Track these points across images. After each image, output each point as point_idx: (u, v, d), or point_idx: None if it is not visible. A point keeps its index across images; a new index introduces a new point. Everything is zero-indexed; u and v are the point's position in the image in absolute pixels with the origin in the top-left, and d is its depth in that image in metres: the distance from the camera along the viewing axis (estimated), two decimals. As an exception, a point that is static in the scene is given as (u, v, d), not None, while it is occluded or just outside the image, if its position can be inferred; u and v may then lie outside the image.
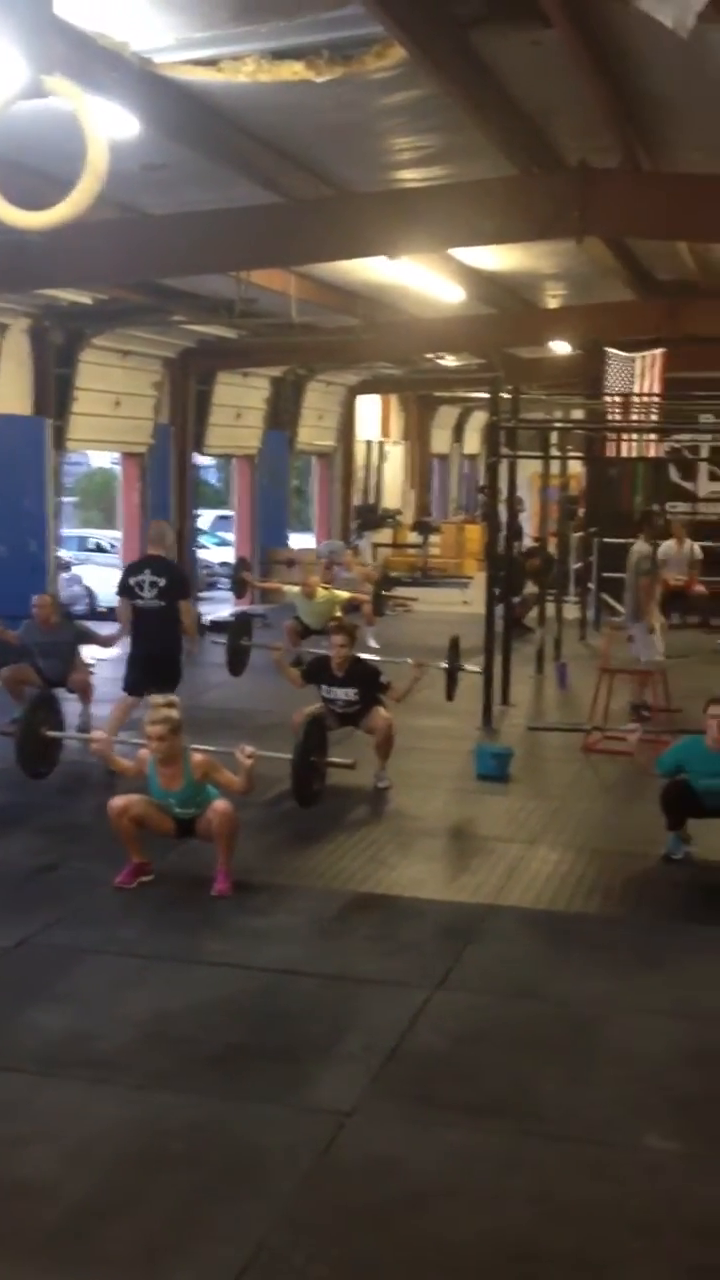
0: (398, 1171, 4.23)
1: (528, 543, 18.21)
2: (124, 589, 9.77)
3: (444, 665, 10.47)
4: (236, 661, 11.67)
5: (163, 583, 9.54)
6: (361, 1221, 3.97)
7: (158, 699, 6.96)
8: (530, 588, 16.05)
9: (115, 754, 7.34)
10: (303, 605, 13.25)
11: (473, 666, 10.85)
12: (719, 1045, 5.19)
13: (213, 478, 34.64)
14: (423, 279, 13.07)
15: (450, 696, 10.72)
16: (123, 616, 9.88)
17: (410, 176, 9.53)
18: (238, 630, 12.13)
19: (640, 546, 11.51)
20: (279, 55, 6.79)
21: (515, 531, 15.47)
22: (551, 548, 16.67)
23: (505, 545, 13.00)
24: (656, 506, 13.72)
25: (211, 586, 21.81)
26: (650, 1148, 4.42)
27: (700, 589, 16.53)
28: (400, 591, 20.16)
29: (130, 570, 10.02)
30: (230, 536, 22.72)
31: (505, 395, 11.89)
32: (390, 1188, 4.14)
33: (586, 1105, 4.70)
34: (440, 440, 29.48)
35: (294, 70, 6.80)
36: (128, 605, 9.70)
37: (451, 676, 10.54)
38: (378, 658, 10.75)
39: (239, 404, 19.93)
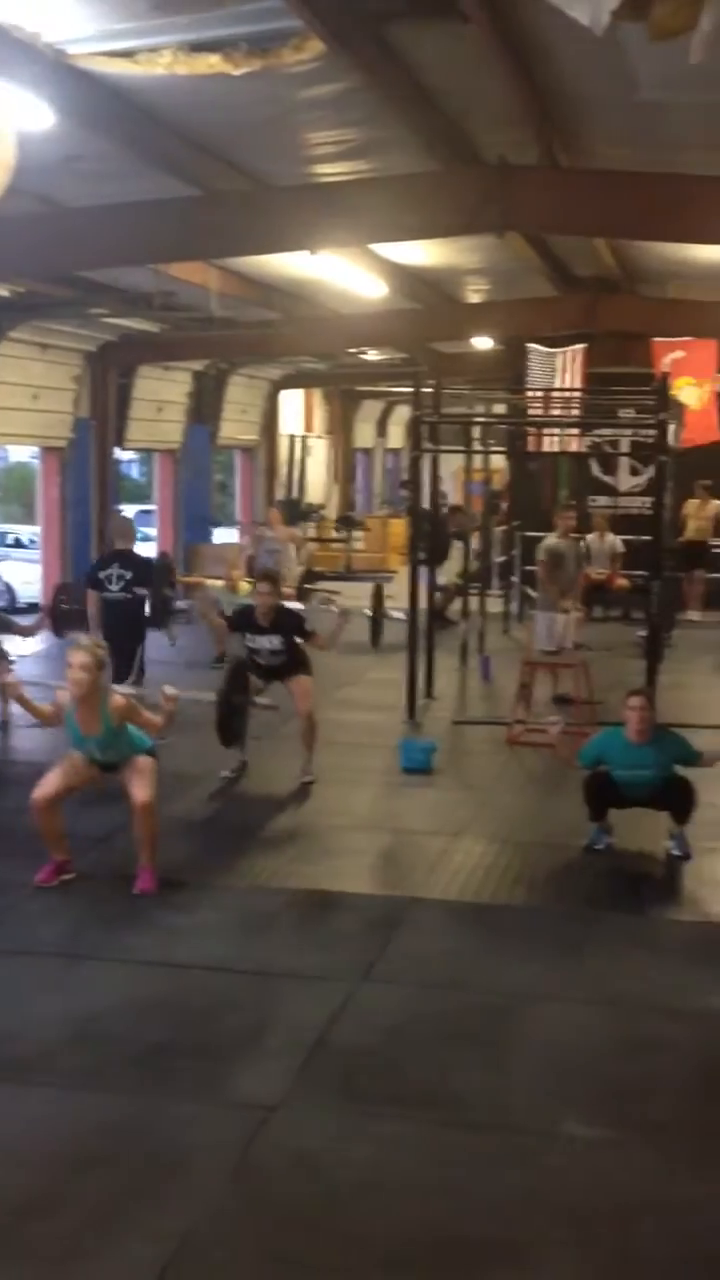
0: (321, 1166, 4.23)
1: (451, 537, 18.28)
2: (93, 582, 10.27)
3: (368, 612, 10.63)
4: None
5: (130, 575, 10.06)
6: (285, 1216, 3.97)
7: (83, 640, 6.91)
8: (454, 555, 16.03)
9: (30, 697, 7.13)
10: (227, 599, 13.24)
11: (397, 613, 10.95)
12: (639, 1032, 5.26)
13: (135, 472, 34.37)
14: (345, 274, 13.08)
15: (375, 643, 10.84)
16: (92, 609, 10.23)
17: (331, 170, 9.52)
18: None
19: (549, 541, 11.82)
20: (196, 47, 6.75)
21: (440, 525, 15.51)
22: (475, 542, 16.75)
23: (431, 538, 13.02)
24: (567, 502, 13.84)
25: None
26: (572, 1135, 4.46)
27: (622, 583, 16.70)
28: (325, 585, 20.14)
29: (99, 564, 10.63)
30: (153, 531, 22.57)
31: (427, 390, 11.93)
32: (314, 1182, 4.15)
33: (509, 1094, 4.74)
34: (364, 435, 29.52)
35: (211, 63, 6.76)
36: (97, 598, 10.14)
37: (376, 623, 10.72)
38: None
39: (160, 398, 19.81)
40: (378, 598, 10.67)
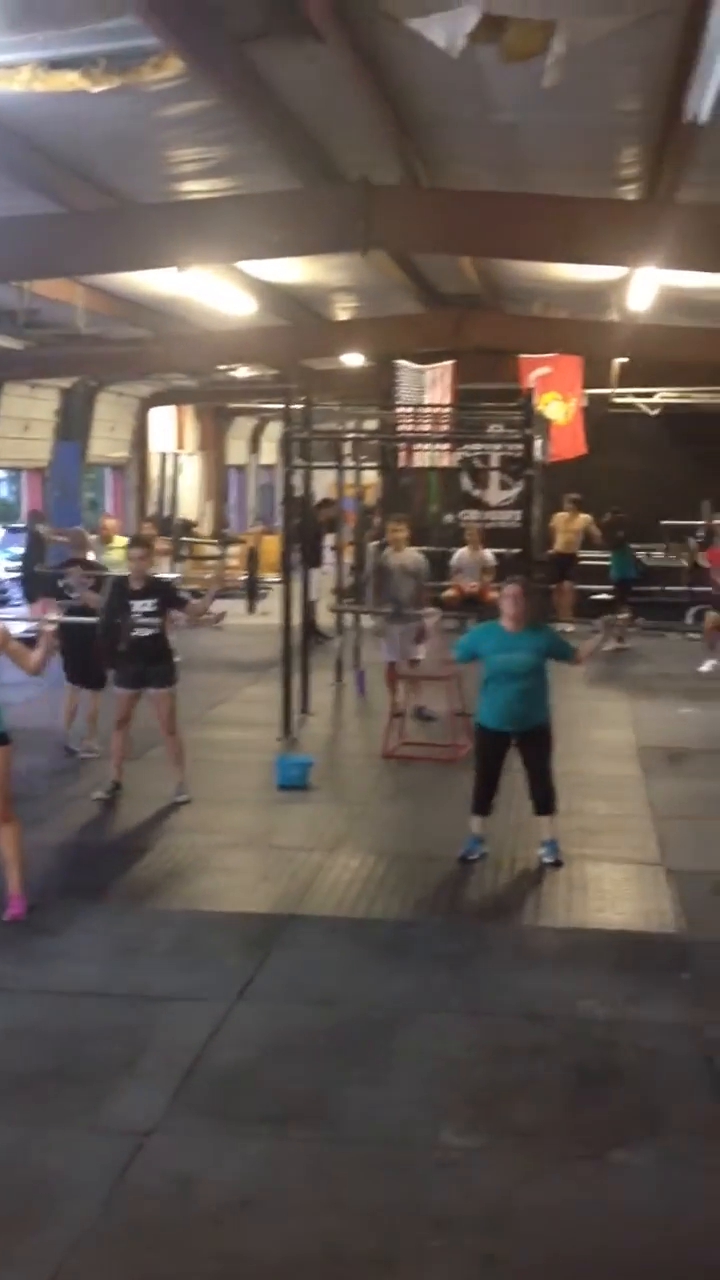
0: (198, 1188, 4.21)
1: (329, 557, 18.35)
2: (52, 591, 10.36)
3: (243, 577, 10.78)
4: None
5: (90, 584, 10.17)
6: (161, 1240, 3.94)
7: None
8: (329, 543, 16.06)
9: None
10: (99, 550, 13.42)
11: (273, 576, 11.08)
12: (511, 1039, 5.33)
13: (2, 491, 33.79)
14: (213, 291, 13.06)
15: (251, 609, 10.93)
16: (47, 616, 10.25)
17: (195, 188, 9.51)
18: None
19: (378, 557, 12.08)
20: (55, 65, 6.69)
21: (310, 516, 15.54)
22: (349, 557, 16.83)
23: (303, 555, 13.06)
24: (395, 518, 13.98)
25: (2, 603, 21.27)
26: (446, 1144, 4.51)
27: (493, 595, 16.91)
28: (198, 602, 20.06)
29: (57, 573, 10.77)
30: (21, 550, 22.20)
31: (298, 407, 11.97)
32: (190, 1204, 4.13)
33: (385, 1107, 4.76)
34: (237, 451, 29.44)
35: (69, 80, 6.71)
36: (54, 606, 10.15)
37: (252, 590, 10.85)
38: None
39: (27, 416, 19.53)
40: (251, 563, 10.97)
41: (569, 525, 17.85)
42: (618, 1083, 4.98)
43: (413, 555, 12.13)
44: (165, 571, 17.43)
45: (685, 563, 16.72)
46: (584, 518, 17.86)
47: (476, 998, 5.75)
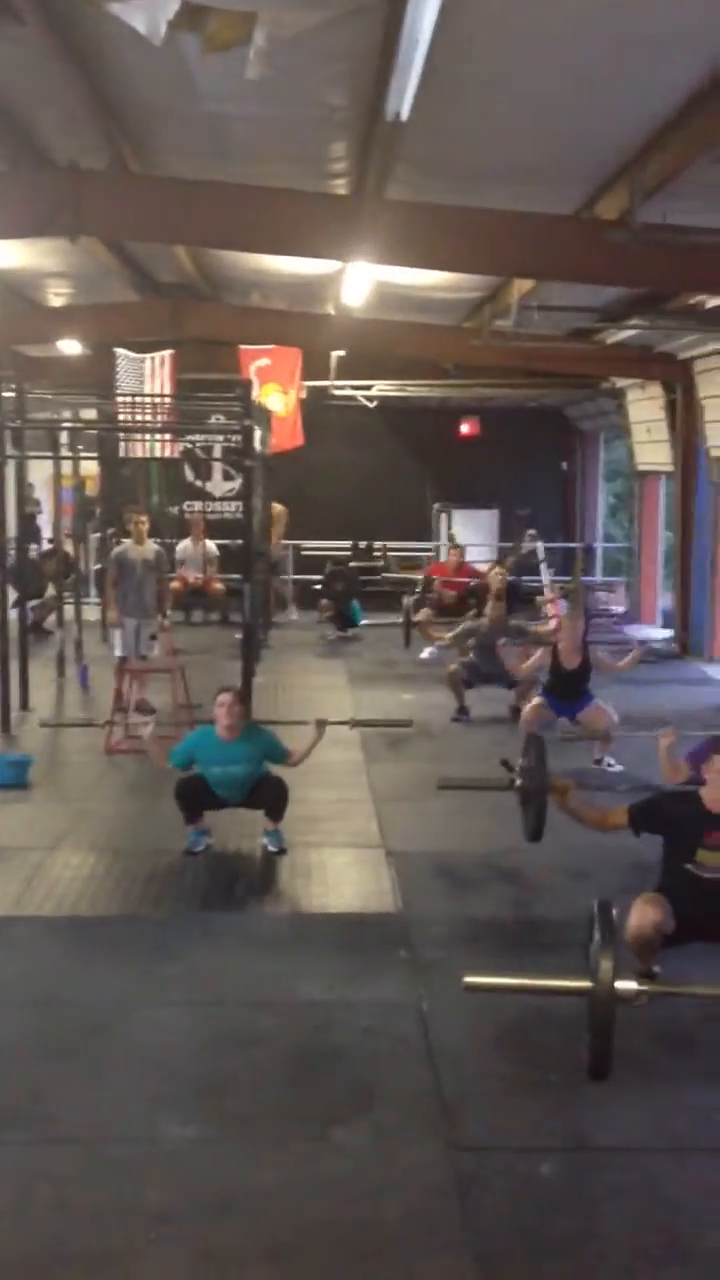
0: None
1: (45, 545, 17.95)
2: None
3: None
4: None
5: None
6: None
7: None
8: (50, 591, 15.81)
9: None
10: None
11: None
12: (232, 1027, 5.35)
13: None
14: None
15: None
16: None
17: None
18: None
19: (117, 550, 11.94)
20: None
21: (31, 534, 15.20)
22: (69, 548, 16.51)
23: (19, 548, 12.71)
24: (134, 510, 13.84)
25: None
26: (168, 1137, 4.50)
27: (217, 586, 16.93)
28: None
29: None
30: None
31: (9, 395, 11.64)
32: None
33: (104, 1104, 4.71)
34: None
35: None
36: None
37: None
38: None
39: None
40: None
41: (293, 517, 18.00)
42: (337, 1062, 5.07)
43: (152, 548, 12.04)
44: None
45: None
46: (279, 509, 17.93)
47: (198, 989, 5.75)
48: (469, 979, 3.87)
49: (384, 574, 17.58)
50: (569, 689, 9.80)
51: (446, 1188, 4.18)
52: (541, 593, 16.94)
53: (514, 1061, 5.05)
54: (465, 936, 6.44)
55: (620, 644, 14.17)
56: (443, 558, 19.24)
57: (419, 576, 16.81)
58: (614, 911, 3.61)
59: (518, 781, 5.87)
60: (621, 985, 3.52)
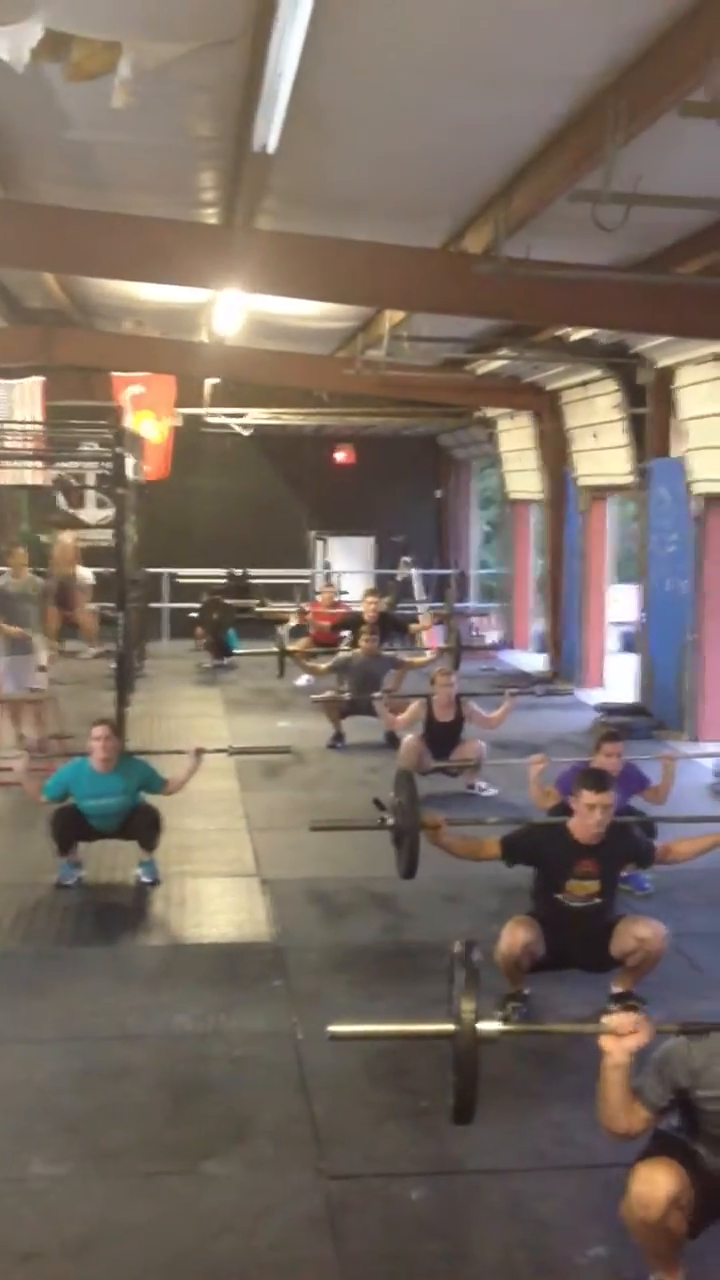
0: None
1: None
2: None
3: None
4: None
5: None
6: None
7: None
8: None
9: None
10: None
11: None
12: (102, 1062, 5.29)
13: None
14: None
15: None
16: None
17: None
18: None
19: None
20: None
21: None
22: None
23: None
24: (10, 540, 13.64)
25: None
26: (37, 1174, 4.42)
27: (89, 617, 16.77)
28: None
29: None
30: None
31: None
32: None
33: (-29, 1145, 4.62)
34: None
35: None
36: None
37: None
38: None
39: None
40: None
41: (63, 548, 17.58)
42: (209, 1094, 5.04)
43: (32, 580, 11.89)
44: None
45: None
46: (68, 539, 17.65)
47: (67, 1024, 5.66)
48: (333, 1029, 3.89)
49: (256, 608, 17.51)
50: (444, 742, 9.91)
51: (318, 1216, 4.18)
52: (416, 620, 17.05)
53: (386, 1088, 5.07)
54: (340, 964, 6.45)
55: (494, 680, 14.41)
56: (319, 586, 19.32)
57: (293, 608, 16.78)
58: (476, 954, 3.66)
59: (389, 821, 5.91)
60: (484, 1027, 3.57)
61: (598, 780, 5.58)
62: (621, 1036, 3.60)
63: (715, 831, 5.97)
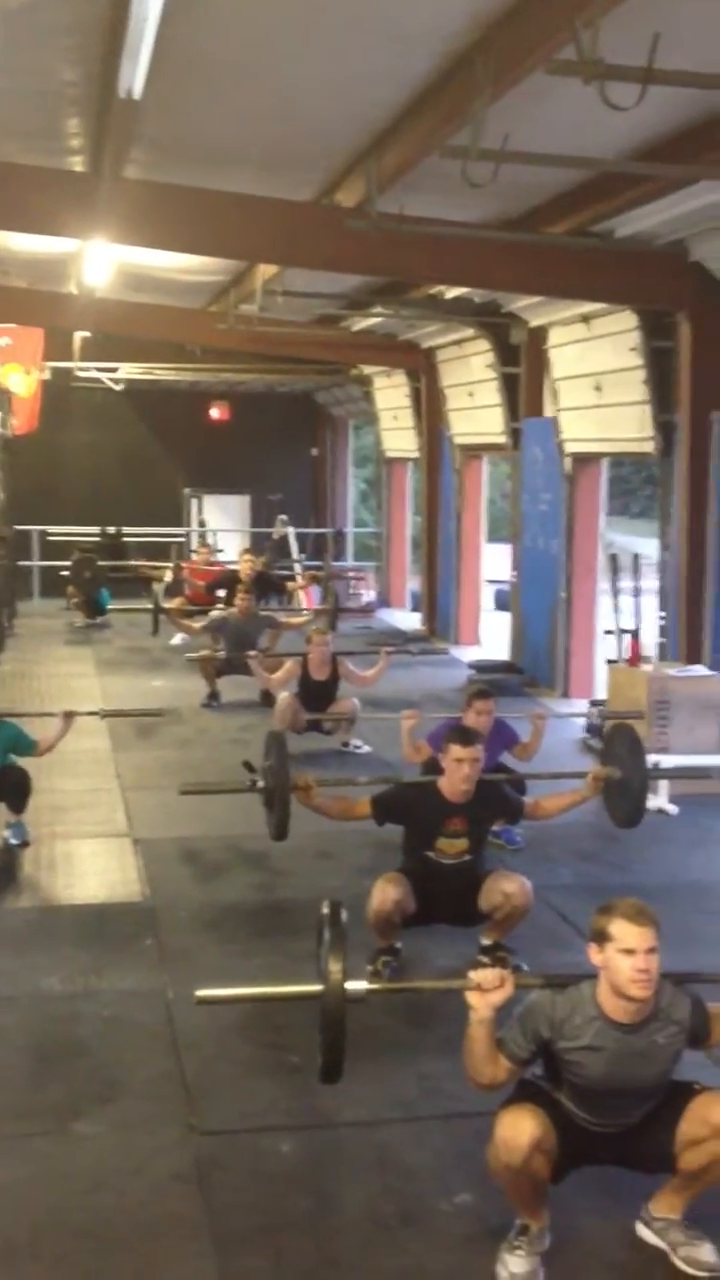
0: None
1: None
2: None
3: None
4: None
5: None
6: None
7: None
8: None
9: None
10: None
11: None
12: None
13: None
14: None
15: None
16: None
17: None
18: None
19: None
20: None
21: None
22: None
23: None
24: None
25: None
26: None
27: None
28: None
29: None
30: None
31: None
32: None
33: None
34: None
35: None
36: None
37: None
38: None
39: None
40: None
41: None
42: (79, 1055, 5.00)
43: None
44: None
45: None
46: None
47: None
48: (200, 993, 3.88)
49: (128, 563, 17.29)
50: (319, 700, 9.92)
51: (187, 1173, 4.18)
52: (293, 579, 17.02)
53: (257, 1045, 5.09)
54: (212, 922, 6.45)
55: (370, 638, 14.48)
56: (194, 544, 19.18)
57: (168, 565, 16.62)
58: (343, 914, 3.68)
59: (259, 784, 5.89)
60: (351, 987, 3.59)
61: (466, 736, 5.63)
62: (486, 992, 3.65)
63: (580, 788, 6.07)
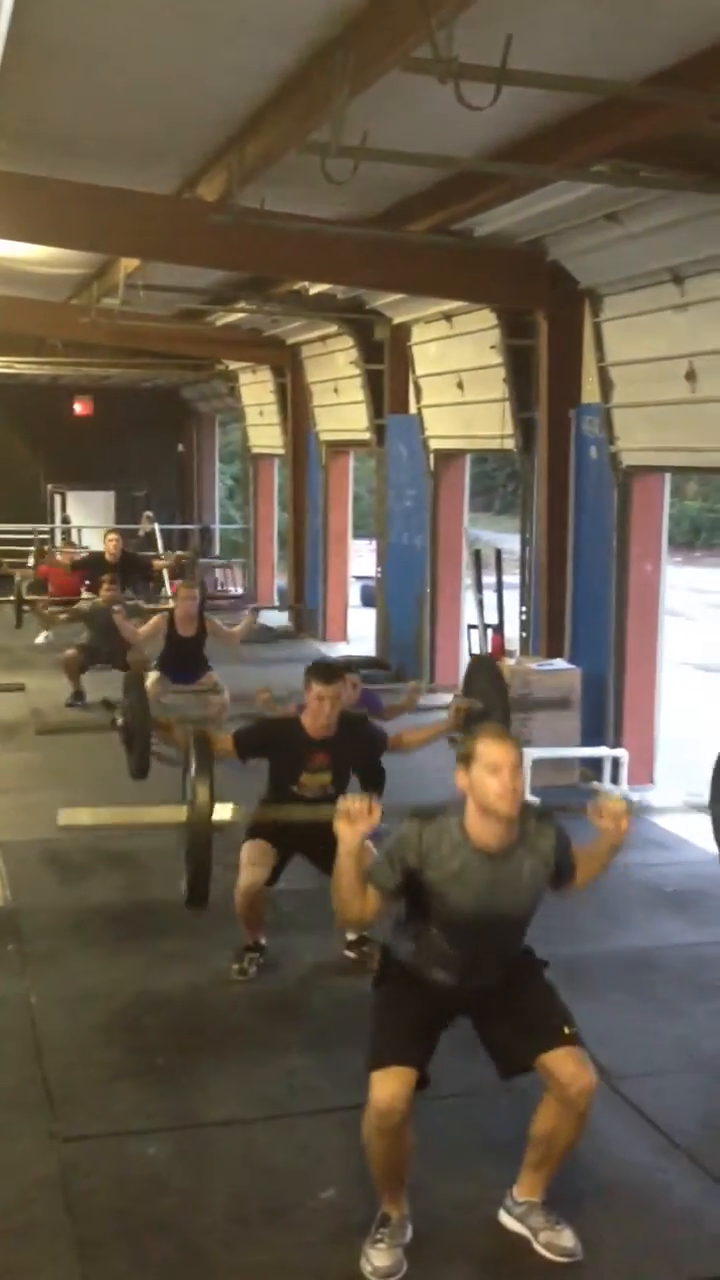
0: None
1: None
2: None
3: None
4: None
5: None
6: None
7: None
8: None
9: None
10: None
11: None
12: None
13: None
14: None
15: None
16: None
17: None
18: None
19: None
20: None
21: None
22: None
23: None
24: None
25: None
26: None
27: None
28: None
29: None
30: None
31: None
32: None
33: None
34: None
35: None
36: None
37: None
38: None
39: None
40: None
41: None
42: (-64, 1065, 4.89)
43: None
44: None
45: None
46: None
47: None
48: (62, 820, 3.85)
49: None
50: (185, 657, 9.72)
51: (49, 1179, 4.12)
52: (159, 557, 16.80)
53: (122, 1048, 5.04)
54: (76, 925, 6.36)
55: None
56: (57, 540, 18.87)
57: (29, 562, 16.33)
58: (210, 748, 3.70)
59: (119, 720, 5.80)
60: (217, 812, 3.59)
61: (327, 673, 5.61)
62: (354, 821, 3.65)
63: (438, 721, 6.13)
